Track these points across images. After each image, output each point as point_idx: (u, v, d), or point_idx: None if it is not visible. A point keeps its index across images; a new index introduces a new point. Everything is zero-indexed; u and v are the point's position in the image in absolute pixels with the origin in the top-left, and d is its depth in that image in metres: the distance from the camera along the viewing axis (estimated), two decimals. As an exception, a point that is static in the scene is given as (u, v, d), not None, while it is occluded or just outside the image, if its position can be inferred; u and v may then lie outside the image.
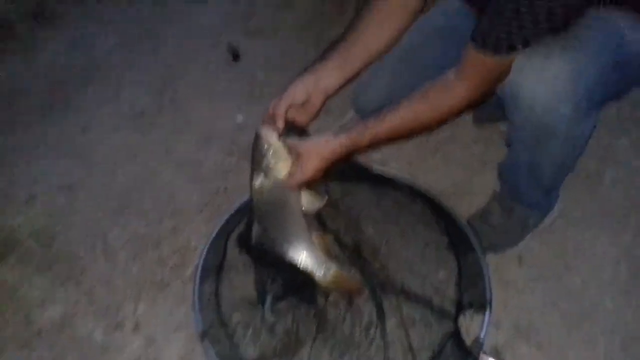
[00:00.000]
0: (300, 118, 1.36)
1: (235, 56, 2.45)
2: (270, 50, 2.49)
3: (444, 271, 1.62)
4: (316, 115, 1.39)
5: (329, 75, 1.37)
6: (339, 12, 2.57)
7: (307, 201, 1.38)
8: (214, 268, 1.66)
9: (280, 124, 1.31)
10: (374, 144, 1.25)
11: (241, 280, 1.63)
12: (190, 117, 2.22)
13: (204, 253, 1.66)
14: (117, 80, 2.44)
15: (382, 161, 1.97)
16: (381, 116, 1.26)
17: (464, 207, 1.77)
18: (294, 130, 1.34)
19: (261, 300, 1.56)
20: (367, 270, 1.65)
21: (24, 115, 2.31)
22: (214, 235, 1.72)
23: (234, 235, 1.72)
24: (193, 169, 2.02)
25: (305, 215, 1.43)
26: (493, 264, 1.62)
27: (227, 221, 1.77)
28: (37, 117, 2.30)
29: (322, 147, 1.24)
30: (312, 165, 1.25)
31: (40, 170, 2.08)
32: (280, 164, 1.32)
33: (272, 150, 1.30)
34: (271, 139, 1.29)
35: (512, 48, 1.12)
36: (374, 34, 1.46)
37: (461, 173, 1.90)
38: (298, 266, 1.44)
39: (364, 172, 1.76)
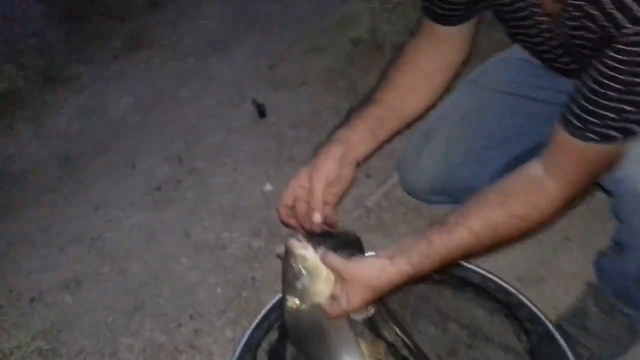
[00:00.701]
0: (330, 198, 1.15)
1: (261, 112, 2.19)
2: (299, 103, 2.23)
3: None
4: (349, 188, 1.21)
5: (359, 144, 1.16)
6: (373, 57, 2.28)
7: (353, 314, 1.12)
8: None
9: (317, 219, 1.10)
10: (440, 267, 1.00)
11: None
12: (212, 188, 1.97)
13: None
14: (132, 149, 2.21)
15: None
16: (448, 230, 0.98)
17: (546, 300, 1.43)
18: (333, 239, 1.10)
19: None
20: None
21: (31, 196, 2.11)
22: (239, 349, 1.41)
23: (264, 346, 1.43)
24: (215, 255, 1.75)
25: (352, 324, 1.16)
26: (594, 382, 1.27)
27: (255, 329, 1.46)
28: (46, 196, 2.10)
29: (374, 277, 0.99)
30: (359, 297, 1.01)
31: (45, 261, 1.85)
32: (319, 285, 1.07)
33: (307, 269, 1.06)
34: (305, 254, 1.05)
35: (622, 133, 0.81)
36: (410, 94, 1.22)
37: (537, 251, 1.55)
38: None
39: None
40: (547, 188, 0.94)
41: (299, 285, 1.08)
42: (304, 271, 1.07)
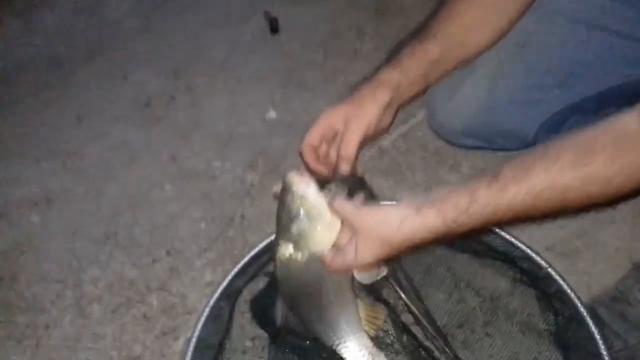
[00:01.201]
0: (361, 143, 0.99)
1: (273, 27, 1.94)
2: (317, 20, 1.97)
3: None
4: (383, 134, 1.04)
5: (408, 90, 0.99)
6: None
7: (360, 274, 0.95)
8: (211, 347, 1.19)
9: (345, 170, 0.95)
10: (481, 230, 0.80)
11: (246, 371, 1.17)
12: (207, 110, 1.75)
13: (200, 323, 1.19)
14: (125, 57, 2.00)
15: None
16: (500, 185, 0.74)
17: (579, 277, 1.22)
18: (347, 181, 0.95)
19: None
20: None
21: (10, 98, 1.94)
22: (217, 295, 1.24)
23: (247, 296, 1.26)
24: (203, 186, 1.55)
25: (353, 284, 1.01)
26: (627, 381, 1.07)
27: (238, 275, 1.28)
28: (27, 100, 1.92)
29: (392, 229, 0.80)
30: (370, 251, 0.84)
31: (16, 173, 1.68)
32: (319, 232, 0.90)
33: (306, 211, 0.89)
34: (306, 192, 0.89)
35: None
36: (476, 28, 1.02)
37: (577, 219, 1.33)
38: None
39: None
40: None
41: (294, 229, 0.92)
42: (302, 212, 0.90)
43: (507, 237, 1.20)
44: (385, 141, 1.58)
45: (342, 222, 0.88)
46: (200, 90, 1.82)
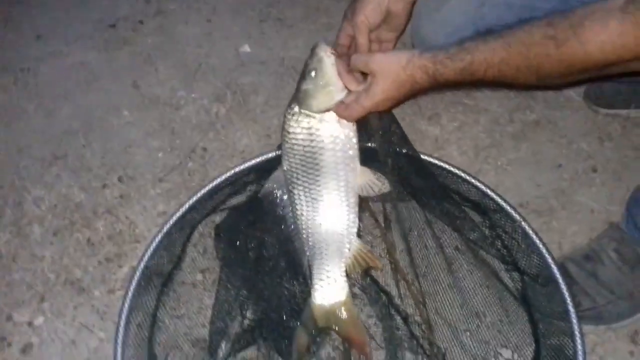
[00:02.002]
0: (387, 36, 1.11)
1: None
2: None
3: (510, 341, 1.06)
4: (403, 29, 1.13)
5: None
6: None
7: (365, 179, 1.05)
8: (158, 277, 1.14)
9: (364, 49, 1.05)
10: (466, 78, 0.89)
11: (193, 304, 1.11)
12: (178, 38, 1.67)
13: (149, 251, 1.14)
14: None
15: (438, 142, 1.38)
16: (484, 38, 0.86)
17: (552, 235, 1.20)
18: None
19: (212, 346, 1.03)
20: (389, 313, 1.11)
21: None
22: (169, 224, 1.19)
23: (203, 230, 1.21)
24: (164, 115, 1.49)
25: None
26: (590, 341, 1.07)
27: (195, 205, 1.23)
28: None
29: (401, 67, 0.92)
30: (383, 88, 0.94)
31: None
32: (322, 93, 1.01)
33: (319, 69, 1.01)
34: (324, 56, 1.00)
35: None
36: None
37: (555, 179, 1.31)
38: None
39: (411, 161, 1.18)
40: (609, 22, 0.71)
41: (303, 86, 1.02)
42: (313, 73, 1.01)
43: (483, 188, 1.17)
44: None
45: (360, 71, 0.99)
46: (172, 16, 1.74)
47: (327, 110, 1.01)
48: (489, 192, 1.19)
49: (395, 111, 1.42)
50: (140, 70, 1.61)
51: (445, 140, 1.41)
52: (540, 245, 1.12)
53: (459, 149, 1.39)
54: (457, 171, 1.22)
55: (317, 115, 1.01)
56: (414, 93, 0.96)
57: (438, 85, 0.91)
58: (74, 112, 1.52)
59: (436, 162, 1.23)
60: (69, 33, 1.74)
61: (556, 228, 1.24)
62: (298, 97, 1.03)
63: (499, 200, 1.18)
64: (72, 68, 1.63)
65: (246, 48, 1.67)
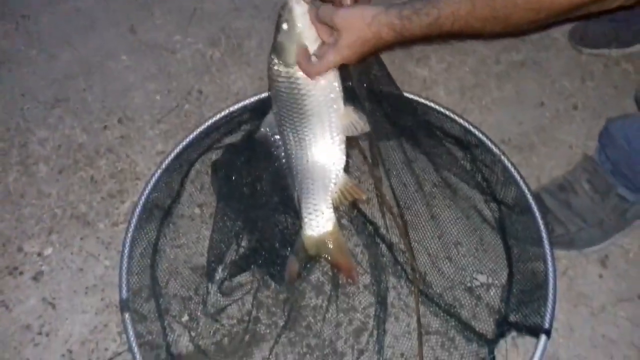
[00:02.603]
0: None
1: None
2: None
3: (485, 267, 1.14)
4: None
5: None
6: None
7: (349, 120, 1.10)
8: (159, 210, 1.22)
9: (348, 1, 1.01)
10: (433, 32, 0.90)
11: (192, 235, 1.20)
12: (173, -18, 1.69)
13: (150, 186, 1.21)
14: None
15: (426, 83, 1.43)
16: None
17: (531, 169, 1.27)
18: None
19: (210, 271, 1.12)
20: (374, 241, 1.19)
21: None
22: (168, 160, 1.26)
23: (200, 167, 1.28)
24: (161, 59, 1.54)
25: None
26: (562, 265, 1.14)
27: (192, 143, 1.30)
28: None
29: (365, 25, 0.93)
30: (348, 43, 0.96)
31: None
32: (299, 42, 1.03)
33: (290, 20, 1.03)
34: (293, 5, 1.02)
35: None
36: None
37: (537, 116, 1.37)
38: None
39: (399, 101, 1.24)
40: None
41: (277, 38, 1.05)
42: (285, 25, 1.03)
43: (465, 124, 1.23)
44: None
45: (327, 26, 0.99)
46: (167, -40, 1.76)
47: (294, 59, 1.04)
48: (471, 128, 1.26)
49: (385, 54, 1.48)
50: (136, 15, 1.66)
51: (433, 81, 1.47)
52: (518, 178, 1.20)
53: (446, 89, 1.45)
54: (441, 109, 1.29)
55: (294, 66, 1.05)
56: (379, 48, 0.97)
57: (405, 41, 0.92)
58: (74, 57, 1.57)
59: (422, 100, 1.29)
60: (66, -22, 1.77)
61: (535, 163, 1.31)
62: (275, 49, 1.07)
63: (480, 135, 1.25)
64: (71, 14, 1.68)
65: (239, -8, 1.70)
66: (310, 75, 1.01)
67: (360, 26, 0.93)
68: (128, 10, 1.67)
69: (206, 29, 1.61)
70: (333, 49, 0.97)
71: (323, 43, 1.01)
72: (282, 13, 1.07)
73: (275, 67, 1.08)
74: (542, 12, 0.78)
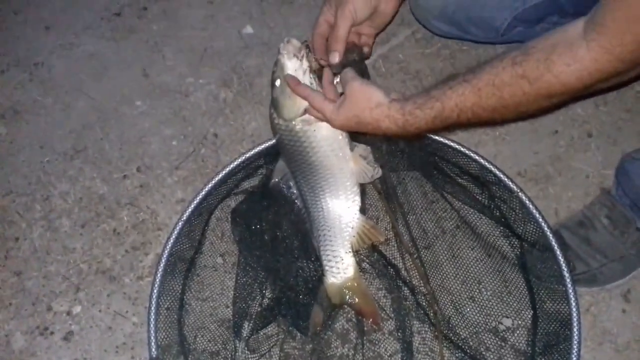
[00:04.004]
0: (367, 30, 1.16)
1: None
2: None
3: (509, 308, 1.14)
4: (390, 22, 1.19)
5: None
6: None
7: (358, 166, 1.13)
8: (182, 263, 1.23)
9: (340, 47, 1.08)
10: (439, 125, 0.92)
11: (216, 286, 1.21)
12: (182, 22, 1.71)
13: (172, 239, 1.22)
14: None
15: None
16: (450, 84, 0.88)
17: (548, 202, 1.26)
18: (352, 52, 1.12)
19: (237, 326, 1.13)
20: (396, 285, 1.19)
21: None
22: (189, 212, 1.27)
23: (219, 214, 1.29)
24: (175, 103, 1.55)
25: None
26: (585, 302, 1.14)
27: (210, 192, 1.31)
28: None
29: (367, 109, 0.96)
30: (347, 114, 0.99)
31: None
32: (292, 99, 1.08)
33: (282, 77, 1.08)
34: (285, 62, 1.07)
35: None
36: None
37: (551, 145, 1.36)
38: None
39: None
40: (577, 52, 0.75)
41: (273, 94, 1.10)
42: (277, 82, 1.08)
43: (481, 160, 1.23)
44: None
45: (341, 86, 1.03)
46: (174, 0, 1.77)
47: (300, 115, 1.07)
48: (487, 164, 1.25)
49: (397, 85, 1.48)
50: (148, 58, 1.67)
51: (446, 112, 1.46)
52: (537, 214, 1.19)
53: (459, 120, 1.44)
54: (456, 145, 1.28)
55: (294, 121, 1.07)
56: (379, 134, 0.99)
57: (410, 134, 0.94)
58: (89, 104, 1.58)
59: (437, 138, 1.29)
60: (76, 23, 1.78)
61: (552, 195, 1.30)
62: (272, 104, 1.10)
63: (497, 172, 1.24)
64: (83, 59, 1.69)
65: (248, 29, 1.70)
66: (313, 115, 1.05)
67: (363, 107, 0.95)
68: (139, 53, 1.68)
69: (217, 68, 1.62)
70: (333, 110, 1.00)
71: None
72: (274, 69, 1.10)
73: (276, 121, 1.12)
74: (554, 97, 0.78)
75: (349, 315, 1.19)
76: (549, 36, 0.81)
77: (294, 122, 1.10)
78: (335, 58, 1.08)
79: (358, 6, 1.06)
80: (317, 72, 1.11)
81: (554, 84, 0.79)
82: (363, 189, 1.20)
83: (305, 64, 1.07)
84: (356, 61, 1.11)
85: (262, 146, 1.33)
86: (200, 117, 1.53)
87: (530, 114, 0.88)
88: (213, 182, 1.31)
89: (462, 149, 1.28)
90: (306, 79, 1.08)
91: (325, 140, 1.12)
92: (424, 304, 1.15)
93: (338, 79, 1.09)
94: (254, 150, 1.32)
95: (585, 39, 0.75)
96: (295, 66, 1.06)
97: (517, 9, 1.20)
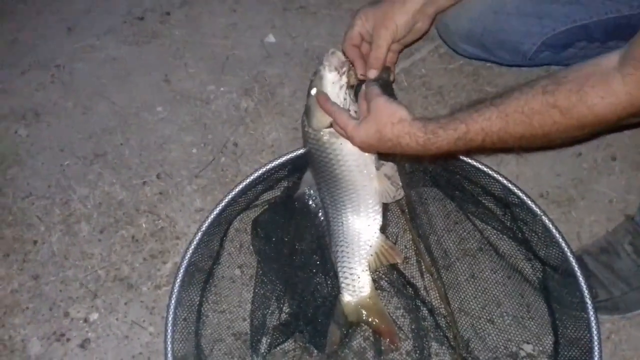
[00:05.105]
0: (396, 47, 1.16)
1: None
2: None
3: (530, 332, 1.13)
4: (419, 39, 1.22)
5: None
6: None
7: (382, 185, 1.13)
8: (200, 273, 1.23)
9: (379, 65, 1.10)
10: (462, 147, 0.91)
11: (234, 299, 1.20)
12: (204, 29, 1.71)
13: (190, 250, 1.21)
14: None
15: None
16: (477, 107, 0.87)
17: (571, 225, 1.25)
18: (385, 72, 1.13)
19: (254, 341, 1.12)
20: (415, 305, 1.18)
21: (2, 5, 1.84)
22: (208, 222, 1.26)
23: (238, 225, 1.28)
24: (196, 110, 1.55)
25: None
26: (606, 329, 1.14)
27: (230, 203, 1.30)
28: (17, 7, 1.84)
29: (389, 124, 0.95)
30: (368, 133, 0.99)
31: (3, 84, 1.65)
32: (317, 112, 1.10)
33: (319, 86, 1.10)
34: (325, 74, 1.09)
35: None
36: None
37: (575, 168, 1.35)
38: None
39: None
40: (611, 84, 0.74)
41: (307, 102, 1.11)
42: (313, 91, 1.09)
43: (504, 182, 1.22)
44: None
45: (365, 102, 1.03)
46: (198, 7, 1.77)
47: (328, 126, 1.08)
48: (510, 186, 1.24)
49: (419, 99, 1.47)
50: (169, 64, 1.66)
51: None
52: (560, 238, 1.18)
53: (481, 139, 1.43)
54: (479, 165, 1.27)
55: (322, 131, 1.06)
56: (398, 151, 0.98)
57: (430, 154, 0.93)
58: (110, 108, 1.58)
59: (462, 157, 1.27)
60: (98, 26, 1.78)
61: (575, 218, 1.29)
62: (305, 112, 1.12)
63: (521, 194, 1.23)
64: (105, 63, 1.69)
65: (271, 38, 1.70)
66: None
67: (385, 122, 0.95)
68: (161, 58, 1.68)
69: (239, 77, 1.61)
70: (355, 126, 1.00)
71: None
72: (312, 78, 1.11)
73: (306, 129, 1.12)
74: (586, 128, 0.78)
75: (367, 334, 1.18)
76: (581, 67, 0.80)
77: (321, 133, 1.10)
78: (373, 75, 1.09)
79: (400, 24, 1.07)
80: (354, 87, 1.11)
81: (586, 115, 0.78)
82: (385, 207, 1.19)
83: (344, 79, 1.08)
84: (387, 80, 1.10)
85: (284, 158, 1.32)
86: (221, 126, 1.53)
87: (558, 144, 0.87)
88: (232, 193, 1.30)
89: (484, 168, 1.26)
90: (341, 93, 1.09)
91: (351, 154, 1.11)
92: (443, 325, 1.14)
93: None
94: (275, 162, 1.31)
95: (621, 72, 0.74)
96: (334, 79, 1.07)
97: (546, 35, 1.19)
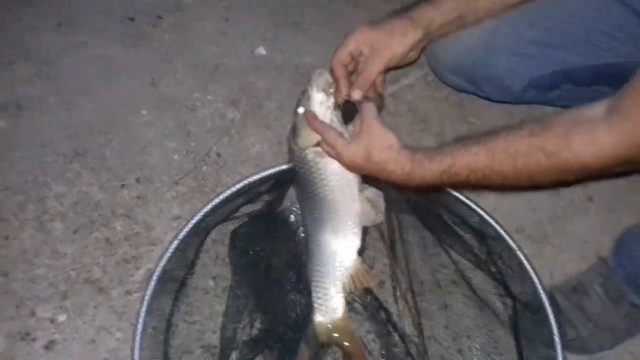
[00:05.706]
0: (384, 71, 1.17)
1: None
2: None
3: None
4: (407, 66, 1.23)
5: (440, 29, 1.12)
6: None
7: (363, 208, 1.14)
8: (173, 282, 1.21)
9: (366, 88, 1.11)
10: (447, 180, 0.93)
11: (205, 310, 1.19)
12: (195, 35, 1.71)
13: (165, 258, 1.20)
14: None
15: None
16: (464, 143, 0.89)
17: (544, 261, 1.27)
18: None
19: (223, 354, 1.11)
20: (387, 330, 1.18)
21: None
22: (185, 232, 1.25)
23: (215, 236, 1.27)
24: (181, 116, 1.54)
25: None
26: (573, 369, 1.14)
27: (209, 213, 1.29)
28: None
29: (377, 149, 0.97)
30: (352, 154, 1.01)
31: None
32: (303, 131, 1.12)
33: (306, 106, 1.11)
34: (312, 95, 1.10)
35: None
36: None
37: (551, 205, 1.37)
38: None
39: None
40: (598, 134, 0.76)
41: (293, 120, 1.13)
42: (300, 109, 1.10)
43: (482, 213, 1.23)
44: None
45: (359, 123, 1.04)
46: (190, 12, 1.77)
47: (313, 145, 1.09)
48: (488, 218, 1.26)
49: (405, 125, 1.49)
50: (158, 67, 1.65)
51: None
52: (533, 274, 1.20)
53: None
54: (458, 195, 1.28)
55: (307, 149, 1.07)
56: (383, 176, 0.99)
57: (413, 184, 0.94)
58: (95, 108, 1.56)
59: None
60: (89, 23, 1.76)
61: (548, 255, 1.31)
62: (291, 129, 1.12)
63: (498, 227, 1.25)
64: (93, 61, 1.67)
65: (261, 50, 1.70)
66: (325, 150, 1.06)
67: (374, 144, 0.96)
68: (150, 61, 1.67)
69: (227, 87, 1.61)
70: (344, 144, 1.00)
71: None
72: (300, 97, 1.11)
73: (292, 146, 1.13)
74: (569, 174, 0.79)
75: (337, 355, 1.17)
76: (570, 113, 0.82)
77: (307, 151, 1.11)
78: (357, 95, 1.09)
79: (395, 55, 1.09)
80: (341, 107, 1.12)
81: (570, 161, 0.80)
82: (365, 230, 1.20)
83: (331, 100, 1.08)
84: (378, 107, 1.11)
85: (268, 172, 1.32)
86: (205, 134, 1.52)
87: (542, 186, 0.89)
88: (212, 203, 1.29)
89: (463, 199, 1.28)
90: (328, 114, 1.09)
91: (335, 174, 1.12)
92: (413, 352, 1.14)
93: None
94: (258, 175, 1.31)
95: (607, 123, 0.76)
96: (322, 99, 1.08)
97: (532, 75, 1.22)
